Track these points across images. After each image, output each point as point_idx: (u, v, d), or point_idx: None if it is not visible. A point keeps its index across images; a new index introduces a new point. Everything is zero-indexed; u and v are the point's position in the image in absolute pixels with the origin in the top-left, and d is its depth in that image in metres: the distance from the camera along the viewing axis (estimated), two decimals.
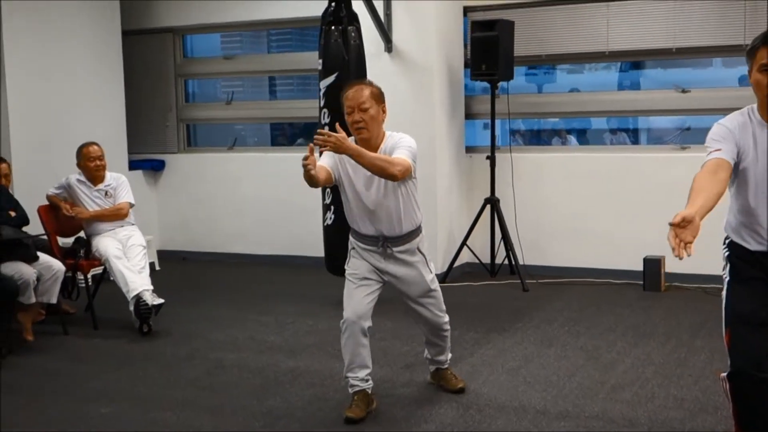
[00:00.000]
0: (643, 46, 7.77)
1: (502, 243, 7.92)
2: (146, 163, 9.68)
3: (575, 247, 8.01)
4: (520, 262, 7.75)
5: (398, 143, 4.37)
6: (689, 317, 6.49)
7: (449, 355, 4.96)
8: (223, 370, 5.46)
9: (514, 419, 4.47)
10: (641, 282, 7.47)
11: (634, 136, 10.20)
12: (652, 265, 7.39)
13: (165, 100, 9.81)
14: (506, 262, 7.96)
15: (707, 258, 7.39)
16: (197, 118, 10.02)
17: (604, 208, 7.90)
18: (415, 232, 4.56)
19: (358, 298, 4.49)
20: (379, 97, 4.43)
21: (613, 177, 7.87)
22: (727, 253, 3.62)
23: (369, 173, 4.30)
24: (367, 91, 4.39)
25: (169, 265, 9.04)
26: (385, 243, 4.47)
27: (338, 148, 4.07)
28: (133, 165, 9.34)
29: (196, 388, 5.11)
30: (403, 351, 5.71)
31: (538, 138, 10.33)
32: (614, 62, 8.77)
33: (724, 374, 3.51)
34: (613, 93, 8.61)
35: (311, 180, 4.12)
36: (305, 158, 4.04)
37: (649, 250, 7.52)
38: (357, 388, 4.56)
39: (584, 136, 10.60)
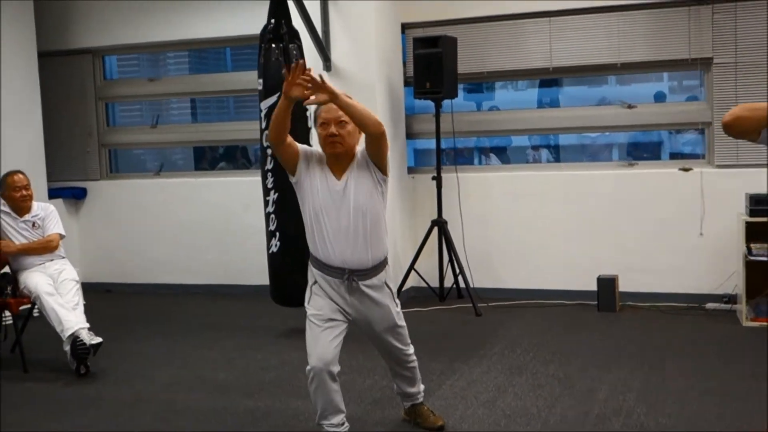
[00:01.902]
0: (587, 61, 7.63)
1: (449, 266, 7.68)
2: (67, 191, 9.15)
3: (525, 268, 7.81)
4: (470, 286, 7.51)
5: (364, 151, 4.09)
6: (653, 338, 6.33)
7: (421, 387, 4.62)
8: (175, 415, 5.02)
9: None
10: (594, 302, 7.31)
11: (556, 152, 10.12)
12: (606, 285, 7.23)
13: (85, 124, 9.30)
14: (454, 285, 7.71)
15: (659, 277, 7.38)
16: (120, 143, 9.53)
17: (554, 227, 7.73)
18: (383, 263, 4.20)
19: (324, 342, 4.07)
20: None
21: (562, 195, 7.71)
22: None
23: (340, 191, 4.01)
24: None
25: (94, 298, 8.39)
26: (351, 276, 4.09)
27: (322, 88, 3.78)
28: (52, 193, 8.79)
29: None
30: (366, 385, 5.37)
31: (462, 157, 10.14)
32: (552, 78, 8.61)
33: None
34: (557, 110, 8.45)
35: (282, 124, 3.92)
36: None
37: (601, 269, 7.38)
38: None
39: (505, 154, 10.46)
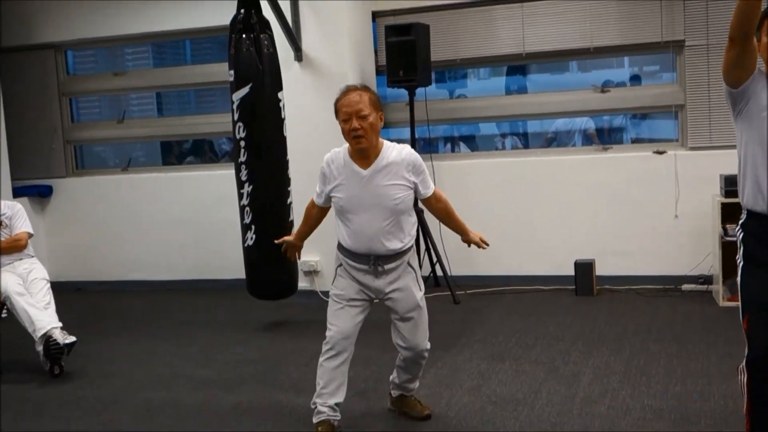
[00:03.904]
0: (559, 46, 7.61)
1: (426, 255, 7.63)
2: (32, 188, 8.96)
3: (502, 255, 7.71)
4: (448, 274, 7.46)
5: (417, 168, 4.12)
6: (632, 321, 6.32)
7: (417, 384, 4.60)
8: (156, 413, 4.93)
9: None
10: (572, 287, 7.30)
11: (524, 139, 10.07)
12: (584, 269, 7.23)
13: (49, 120, 9.12)
14: (431, 274, 7.67)
15: (635, 259, 7.39)
16: (86, 138, 9.37)
17: (529, 213, 7.71)
18: (409, 248, 4.22)
19: (345, 318, 4.16)
20: (377, 103, 4.11)
21: (537, 181, 7.68)
22: (741, 235, 3.41)
23: (366, 177, 4.05)
24: (365, 97, 4.05)
25: (64, 298, 8.20)
26: (377, 261, 4.11)
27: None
28: (17, 191, 8.63)
29: None
30: (349, 376, 5.25)
31: (429, 146, 10.05)
32: (519, 65, 8.51)
33: (743, 365, 3.38)
34: (528, 95, 8.37)
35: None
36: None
37: (578, 253, 7.38)
38: (322, 417, 4.18)
39: (474, 142, 10.40)
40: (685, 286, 7.18)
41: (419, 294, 4.27)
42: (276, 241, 4.64)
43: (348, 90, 4.13)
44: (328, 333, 4.16)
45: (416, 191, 4.16)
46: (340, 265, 4.24)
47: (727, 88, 3.39)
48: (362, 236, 4.09)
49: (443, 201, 4.34)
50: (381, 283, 4.17)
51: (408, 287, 4.21)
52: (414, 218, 4.25)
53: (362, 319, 4.22)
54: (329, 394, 4.16)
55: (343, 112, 4.05)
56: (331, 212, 4.30)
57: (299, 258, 4.70)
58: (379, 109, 4.10)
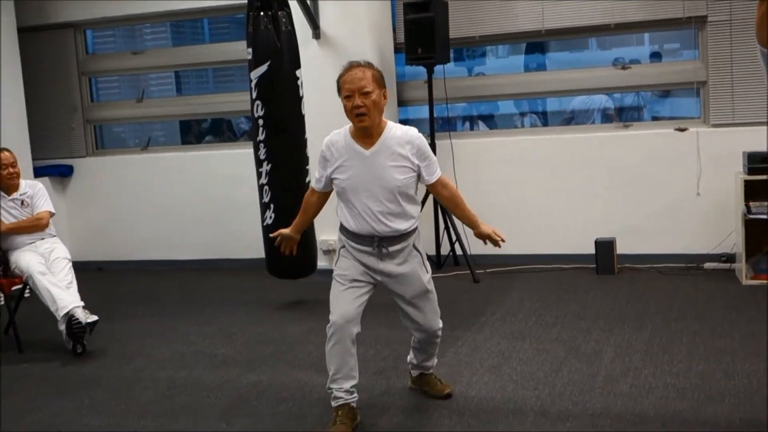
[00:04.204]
0: (580, 23, 7.53)
1: (445, 234, 7.61)
2: (53, 168, 8.99)
3: (523, 233, 7.68)
4: (467, 252, 7.43)
5: (421, 152, 4.03)
6: (654, 299, 6.29)
7: (435, 360, 4.59)
8: (177, 391, 4.95)
9: (514, 423, 4.13)
10: (592, 265, 7.26)
11: (544, 118, 10.01)
12: (605, 247, 7.19)
13: (69, 100, 9.14)
14: (451, 253, 7.65)
15: (656, 238, 7.34)
16: (105, 118, 9.37)
17: (550, 191, 7.66)
18: (414, 230, 4.16)
19: (348, 300, 4.05)
20: (380, 80, 4.02)
21: (557, 159, 7.63)
22: None
23: (369, 157, 3.97)
24: (368, 74, 3.96)
25: (85, 277, 8.23)
26: (381, 243, 4.05)
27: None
28: (38, 171, 8.64)
29: (154, 415, 4.59)
30: (369, 355, 5.30)
31: (448, 125, 10.01)
32: (538, 42, 8.44)
33: None
34: (549, 73, 8.28)
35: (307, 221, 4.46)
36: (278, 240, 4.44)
37: (598, 232, 7.34)
38: (341, 401, 4.14)
39: (493, 121, 10.34)
40: (708, 265, 7.12)
41: (426, 277, 4.22)
42: (271, 235, 4.57)
43: (351, 66, 4.03)
44: (331, 317, 4.06)
45: (420, 176, 4.08)
46: (343, 246, 4.16)
47: (760, 47, 3.14)
48: (365, 217, 4.01)
49: (450, 189, 4.21)
50: (385, 266, 4.09)
51: (415, 272, 4.16)
52: (418, 199, 4.19)
53: (365, 301, 4.12)
54: (343, 378, 4.10)
55: (346, 89, 3.95)
56: (332, 196, 4.24)
57: (295, 253, 4.51)
58: (382, 86, 4.01)
